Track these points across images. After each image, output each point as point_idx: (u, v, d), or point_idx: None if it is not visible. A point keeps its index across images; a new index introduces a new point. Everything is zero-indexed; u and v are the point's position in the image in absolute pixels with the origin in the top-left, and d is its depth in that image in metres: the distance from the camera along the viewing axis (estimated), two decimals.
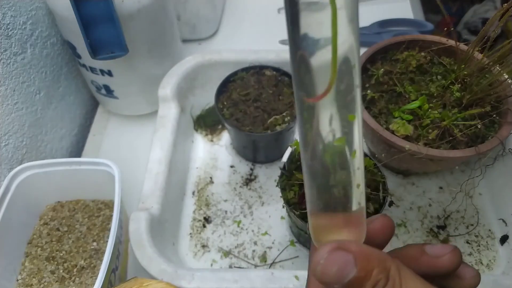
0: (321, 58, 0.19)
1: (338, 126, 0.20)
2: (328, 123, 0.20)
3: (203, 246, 0.52)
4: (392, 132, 0.45)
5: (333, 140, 0.21)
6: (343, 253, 0.19)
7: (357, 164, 0.22)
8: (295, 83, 0.21)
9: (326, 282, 0.19)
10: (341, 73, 0.19)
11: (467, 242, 0.51)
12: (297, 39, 0.19)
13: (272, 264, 0.50)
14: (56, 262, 0.48)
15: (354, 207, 0.22)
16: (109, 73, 0.55)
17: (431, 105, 0.46)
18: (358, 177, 0.22)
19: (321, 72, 0.19)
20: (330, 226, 0.22)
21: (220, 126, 0.64)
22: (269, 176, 0.58)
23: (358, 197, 0.22)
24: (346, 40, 0.19)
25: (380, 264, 0.19)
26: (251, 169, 0.59)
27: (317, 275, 0.20)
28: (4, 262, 0.46)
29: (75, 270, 0.47)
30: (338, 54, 0.18)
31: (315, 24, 0.18)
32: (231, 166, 0.59)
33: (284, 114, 0.53)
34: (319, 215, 0.23)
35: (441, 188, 0.56)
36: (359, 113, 0.20)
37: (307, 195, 0.23)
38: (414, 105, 0.46)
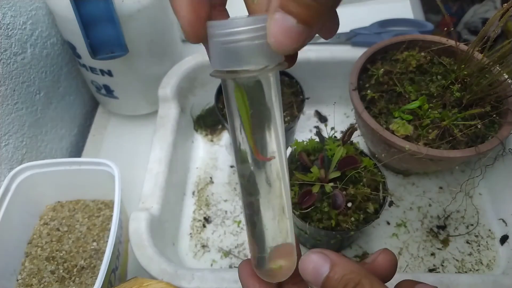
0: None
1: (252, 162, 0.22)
2: (239, 130, 0.22)
3: (203, 246, 0.52)
4: (392, 132, 0.45)
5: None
6: (321, 255, 0.22)
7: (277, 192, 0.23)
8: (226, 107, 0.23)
9: (306, 279, 0.22)
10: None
11: (467, 242, 0.51)
12: (226, 95, 0.22)
13: None
14: (56, 262, 0.48)
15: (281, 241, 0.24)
16: (109, 73, 0.55)
17: (431, 105, 0.46)
18: (277, 207, 0.24)
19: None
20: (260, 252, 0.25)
21: (220, 126, 0.64)
22: None
23: (280, 234, 0.24)
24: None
25: (354, 271, 0.21)
26: None
27: (300, 272, 0.23)
28: (4, 262, 0.46)
29: (75, 270, 0.47)
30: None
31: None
32: (231, 166, 0.59)
33: (284, 114, 0.53)
34: (251, 242, 0.25)
35: (441, 188, 0.56)
36: (280, 143, 0.22)
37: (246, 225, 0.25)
38: (414, 105, 0.46)
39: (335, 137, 0.47)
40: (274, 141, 0.22)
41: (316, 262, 0.22)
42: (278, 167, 0.23)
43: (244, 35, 0.19)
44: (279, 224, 0.24)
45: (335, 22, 0.22)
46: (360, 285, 0.21)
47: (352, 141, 0.45)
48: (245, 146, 0.22)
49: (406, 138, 0.44)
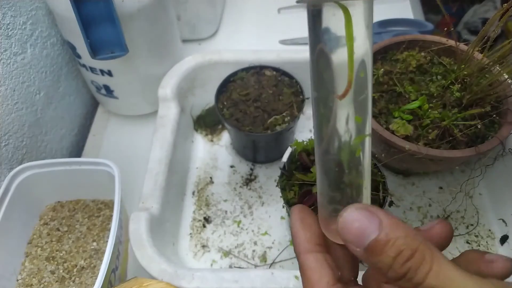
0: (340, 56, 0.19)
1: (353, 126, 0.21)
2: (345, 122, 0.21)
3: (203, 246, 0.52)
4: (392, 132, 0.45)
5: (349, 139, 0.21)
6: (368, 213, 0.18)
7: (366, 165, 0.22)
8: (312, 77, 0.21)
9: (346, 239, 0.19)
10: (357, 77, 0.20)
11: (467, 242, 0.51)
12: (318, 33, 0.19)
13: (272, 264, 0.50)
14: (56, 262, 0.48)
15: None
16: (109, 73, 0.55)
17: (431, 105, 0.46)
18: (367, 178, 0.23)
19: (340, 69, 0.20)
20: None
21: (220, 126, 0.64)
22: (269, 176, 0.58)
23: (367, 197, 0.23)
24: (362, 44, 0.19)
25: (408, 235, 0.17)
26: (251, 169, 0.59)
27: (339, 230, 0.19)
28: (4, 262, 0.46)
29: (75, 270, 0.47)
30: (354, 56, 0.19)
31: (336, 22, 0.19)
32: (231, 166, 0.59)
33: (284, 114, 0.53)
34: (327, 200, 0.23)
35: (441, 188, 0.56)
36: (370, 115, 0.21)
37: (318, 188, 0.24)
38: (414, 105, 0.46)
39: None
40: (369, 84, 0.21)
41: (362, 221, 0.18)
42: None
43: None
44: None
45: None
46: (419, 253, 0.17)
47: None
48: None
49: (406, 138, 0.44)
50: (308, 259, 0.23)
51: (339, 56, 0.19)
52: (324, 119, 0.21)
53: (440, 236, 0.22)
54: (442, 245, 0.22)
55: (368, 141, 0.22)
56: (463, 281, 0.17)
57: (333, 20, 0.18)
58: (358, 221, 0.18)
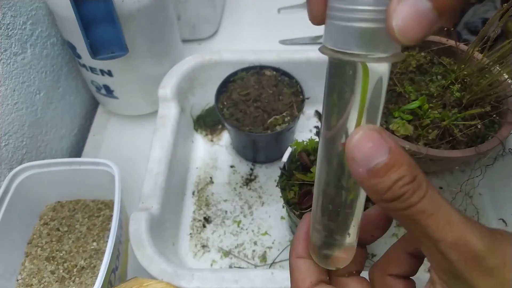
0: (352, 106, 0.19)
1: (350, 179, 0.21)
2: (344, 167, 0.21)
3: (203, 246, 0.52)
4: (392, 132, 0.45)
5: (345, 185, 0.21)
6: (381, 136, 0.18)
7: (358, 209, 0.23)
8: (325, 117, 0.21)
9: (354, 157, 0.18)
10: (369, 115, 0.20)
11: None
12: (335, 80, 0.20)
13: (272, 264, 0.50)
14: (56, 262, 0.48)
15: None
16: (109, 73, 0.55)
17: (431, 105, 0.46)
18: (356, 219, 0.23)
19: (349, 118, 0.20)
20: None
21: (220, 126, 0.64)
22: (269, 176, 0.58)
23: (355, 233, 0.23)
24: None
25: (411, 164, 0.18)
26: (251, 169, 0.59)
27: (349, 149, 0.19)
28: (4, 262, 0.46)
29: (75, 270, 0.47)
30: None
31: (354, 74, 0.19)
32: (231, 166, 0.59)
33: (284, 114, 0.53)
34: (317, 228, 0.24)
35: (441, 188, 0.56)
36: None
37: (312, 217, 0.24)
38: (414, 105, 0.46)
39: None
40: None
41: (375, 143, 0.18)
42: None
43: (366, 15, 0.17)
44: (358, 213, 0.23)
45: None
46: (417, 181, 0.18)
47: None
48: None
49: (406, 138, 0.44)
50: (298, 261, 0.25)
51: (351, 106, 0.19)
52: (327, 160, 0.22)
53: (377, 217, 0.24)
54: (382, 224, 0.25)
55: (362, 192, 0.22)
56: (450, 209, 0.19)
57: (351, 72, 0.19)
58: (372, 141, 0.18)
